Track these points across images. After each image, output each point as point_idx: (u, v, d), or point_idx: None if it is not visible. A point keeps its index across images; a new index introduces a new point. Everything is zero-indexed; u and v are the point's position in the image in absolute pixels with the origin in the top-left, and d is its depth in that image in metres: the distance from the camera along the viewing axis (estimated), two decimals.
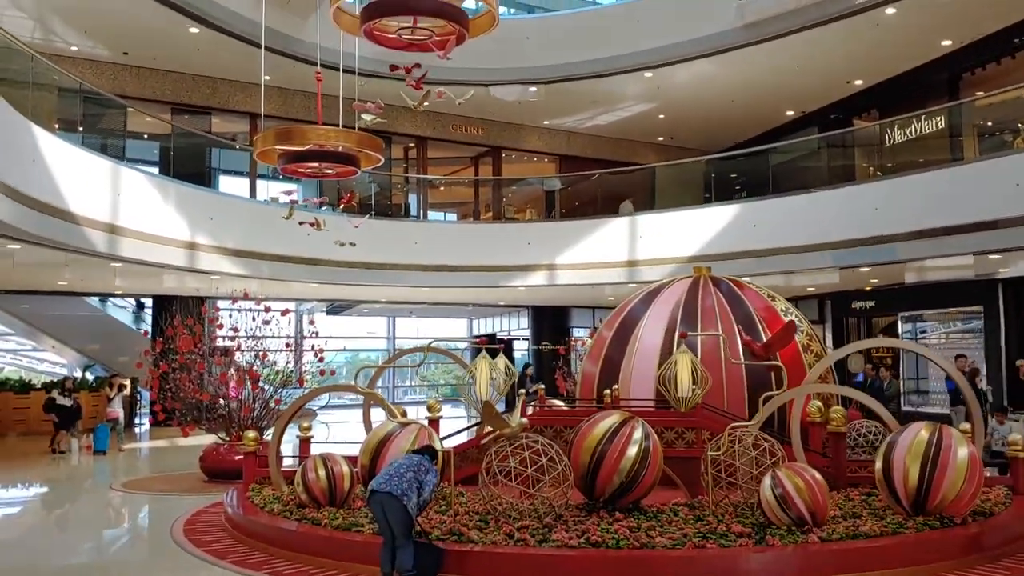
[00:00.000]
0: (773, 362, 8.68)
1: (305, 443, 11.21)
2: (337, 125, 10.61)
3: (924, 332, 21.20)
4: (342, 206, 12.39)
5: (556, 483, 7.58)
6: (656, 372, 9.83)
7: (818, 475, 7.34)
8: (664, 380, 9.15)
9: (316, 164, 11.07)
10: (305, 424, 11.43)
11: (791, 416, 8.75)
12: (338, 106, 11.68)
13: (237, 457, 12.65)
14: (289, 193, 13.58)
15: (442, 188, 25.38)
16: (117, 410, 16.56)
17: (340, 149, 10.30)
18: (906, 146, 17.64)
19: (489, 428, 8.05)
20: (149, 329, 22.03)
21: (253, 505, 9.13)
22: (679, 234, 18.59)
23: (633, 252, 19.07)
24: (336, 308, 27.68)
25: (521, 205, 23.89)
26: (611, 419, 8.19)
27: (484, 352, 9.09)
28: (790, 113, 22.76)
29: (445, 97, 9.96)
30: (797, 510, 7.11)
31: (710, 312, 11.83)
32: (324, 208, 12.51)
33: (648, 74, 19.81)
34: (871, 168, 18.56)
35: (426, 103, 9.49)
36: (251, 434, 10.49)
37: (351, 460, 9.02)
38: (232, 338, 13.36)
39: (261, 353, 12.88)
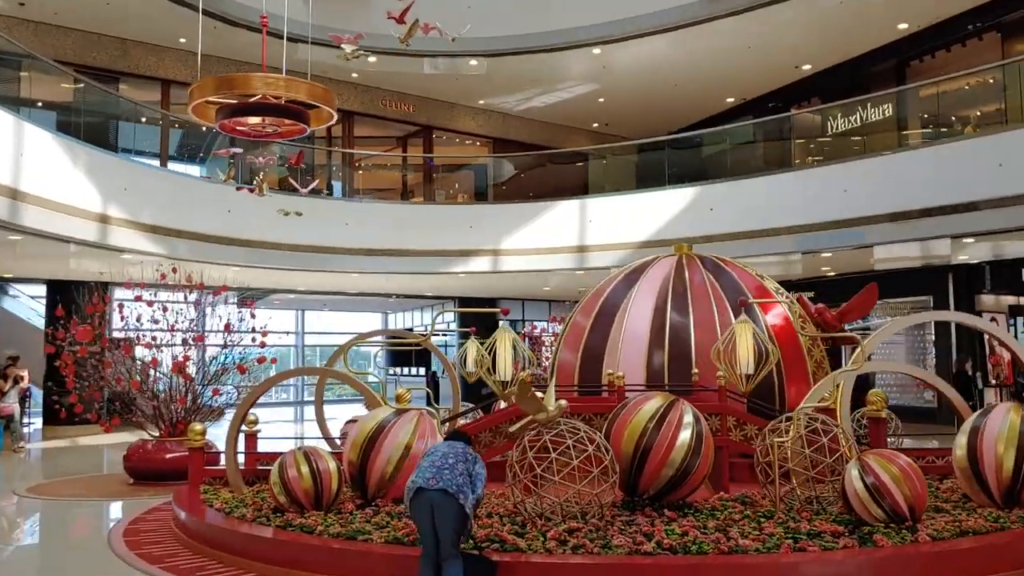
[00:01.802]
0: (847, 334, 7.65)
1: (251, 438, 9.70)
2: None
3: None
4: (289, 166, 10.84)
5: (602, 478, 6.37)
6: (664, 351, 8.64)
7: (912, 462, 6.34)
8: (720, 354, 7.98)
9: (259, 120, 9.61)
10: (251, 417, 9.90)
11: (839, 401, 7.73)
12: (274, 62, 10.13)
13: (169, 456, 11.04)
14: (231, 156, 11.87)
15: (361, 172, 23.72)
16: (12, 405, 14.40)
17: (283, 102, 8.91)
18: (855, 131, 17.32)
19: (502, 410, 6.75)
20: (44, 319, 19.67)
21: (214, 510, 7.57)
22: (631, 218, 17.63)
23: (583, 237, 18.02)
24: (244, 300, 25.63)
25: (453, 191, 22.53)
26: (654, 402, 7.03)
27: (504, 325, 7.81)
28: (730, 100, 22.19)
29: (433, 33, 8.70)
30: (893, 502, 6.09)
31: (701, 290, 10.93)
32: (267, 168, 10.94)
33: (596, 50, 18.78)
34: (811, 158, 18.13)
35: (411, 38, 8.25)
36: (198, 427, 8.88)
37: (336, 456, 7.60)
38: (142, 328, 11.53)
39: (197, 336, 11.19)
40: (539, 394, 6.58)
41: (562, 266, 18.17)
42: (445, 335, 27.00)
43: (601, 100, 21.90)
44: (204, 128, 18.10)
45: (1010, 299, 19.33)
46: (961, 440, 6.89)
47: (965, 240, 14.51)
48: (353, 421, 11.55)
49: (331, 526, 6.56)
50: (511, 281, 20.71)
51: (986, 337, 18.85)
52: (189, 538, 7.41)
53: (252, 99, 9.26)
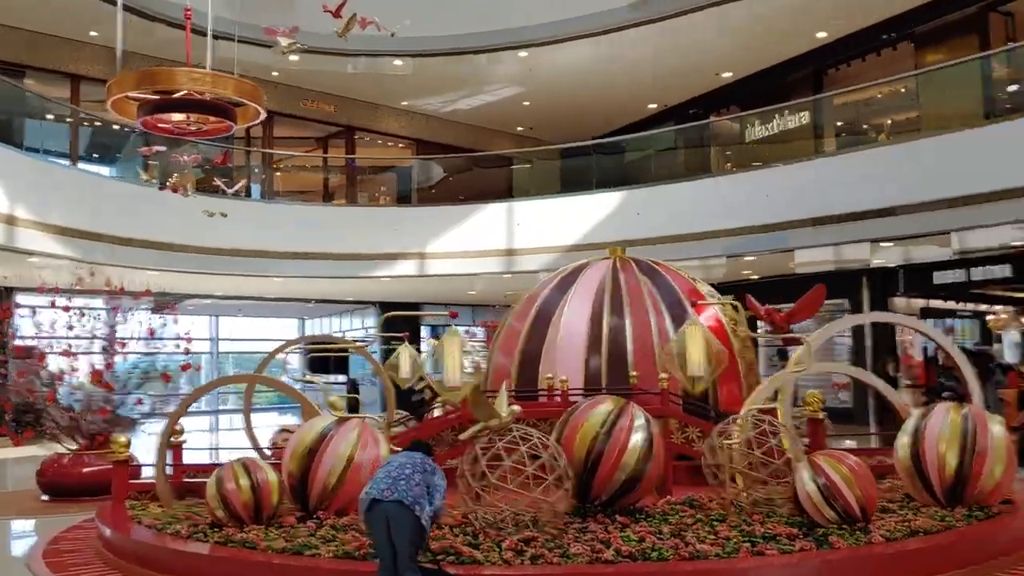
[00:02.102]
0: (794, 335, 7.69)
1: (177, 450, 9.31)
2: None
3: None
4: (217, 165, 10.44)
5: (556, 485, 6.24)
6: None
7: (861, 462, 6.39)
8: (667, 357, 7.94)
9: (183, 117, 9.25)
10: (177, 427, 9.48)
11: (782, 400, 7.77)
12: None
13: (87, 470, 10.50)
14: (152, 156, 11.31)
15: (280, 174, 23.12)
16: None
17: (208, 97, 8.62)
18: (775, 138, 17.69)
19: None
20: None
21: (144, 527, 7.17)
22: (559, 222, 17.63)
23: (511, 240, 17.93)
24: (160, 305, 24.71)
25: (378, 193, 22.17)
26: (605, 406, 6.94)
27: (453, 329, 7.60)
28: (652, 106, 22.40)
29: (371, 28, 8.49)
30: (845, 503, 6.12)
31: (636, 291, 10.97)
32: (187, 168, 10.50)
33: (523, 53, 18.72)
34: (729, 164, 18.46)
35: (350, 31, 8.06)
36: (121, 439, 8.43)
37: (275, 468, 7.29)
38: (56, 336, 10.93)
39: (119, 342, 10.65)
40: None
41: (490, 270, 18.05)
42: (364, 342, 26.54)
43: (526, 104, 21.85)
44: (116, 126, 17.44)
45: (920, 302, 19.98)
46: (903, 440, 6.99)
47: (883, 244, 14.92)
48: (284, 431, 11.21)
49: (274, 541, 6.27)
50: (436, 285, 20.46)
51: (899, 339, 19.50)
52: (117, 557, 7.00)
53: (176, 95, 8.91)
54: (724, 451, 6.72)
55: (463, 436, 6.44)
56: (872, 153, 14.87)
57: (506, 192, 19.62)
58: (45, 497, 10.59)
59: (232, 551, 6.23)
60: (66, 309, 10.65)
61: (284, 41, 8.00)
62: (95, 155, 17.79)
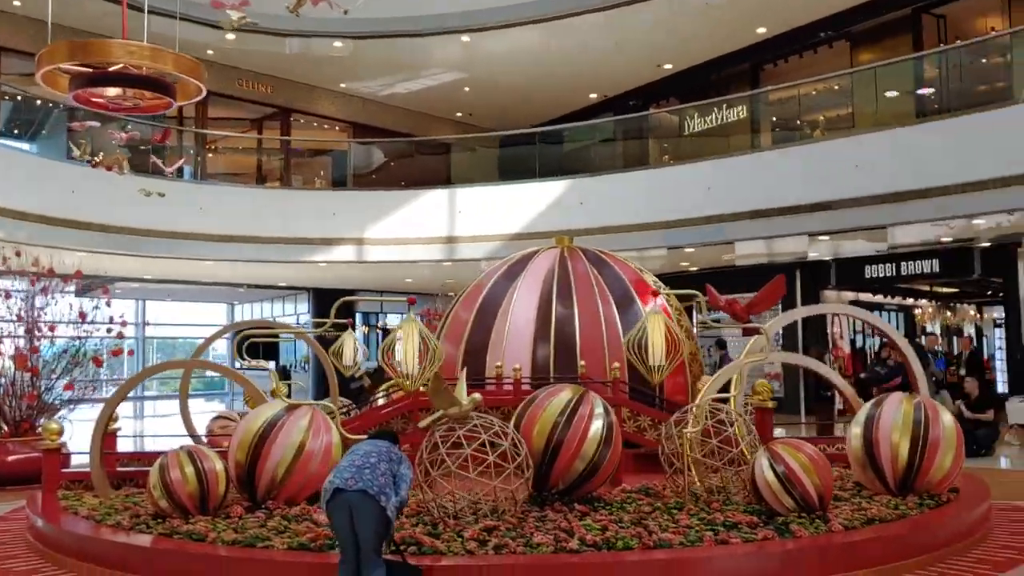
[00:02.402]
0: (753, 325, 7.70)
1: (110, 438, 8.95)
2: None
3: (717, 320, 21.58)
4: (156, 142, 10.05)
5: (517, 473, 6.14)
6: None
7: (818, 451, 6.44)
8: (633, 345, 7.80)
9: (119, 92, 8.89)
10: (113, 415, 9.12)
11: (736, 389, 7.77)
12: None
13: (11, 458, 10.04)
14: (81, 130, 10.75)
15: (212, 155, 22.45)
16: None
17: (145, 71, 8.32)
18: (714, 131, 17.85)
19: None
20: None
21: (81, 518, 6.85)
22: (502, 210, 17.48)
23: (452, 228, 17.72)
24: (86, 288, 23.83)
25: (315, 177, 21.68)
26: (564, 395, 6.86)
27: (411, 316, 7.40)
28: (593, 96, 22.41)
29: (322, 5, 8.25)
30: (804, 491, 6.16)
31: (585, 281, 10.96)
32: (121, 148, 10.06)
33: (465, 38, 18.49)
34: (666, 157, 18.60)
35: (302, 7, 7.85)
36: (53, 426, 8.06)
37: (220, 456, 7.02)
38: None
39: (49, 326, 10.18)
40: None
41: (431, 257, 17.82)
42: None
43: (467, 89, 21.63)
44: (40, 102, 16.72)
45: (850, 294, 20.43)
46: (856, 430, 7.07)
47: (820, 238, 15.18)
48: (220, 418, 10.90)
49: (222, 532, 6.03)
50: (372, 272, 20.17)
51: (829, 331, 19.93)
52: (51, 550, 6.66)
53: (112, 68, 8.55)
54: (682, 440, 6.70)
55: (422, 423, 6.28)
56: (812, 148, 15.09)
57: (446, 179, 19.37)
58: None
59: (178, 543, 5.97)
60: (7, 295, 10.13)
61: (234, 15, 7.69)
62: (16, 131, 16.98)
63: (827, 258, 18.23)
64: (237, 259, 17.53)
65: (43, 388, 10.41)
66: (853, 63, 18.05)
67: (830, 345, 19.65)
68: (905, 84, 15.54)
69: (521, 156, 19.14)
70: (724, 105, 17.83)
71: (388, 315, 27.71)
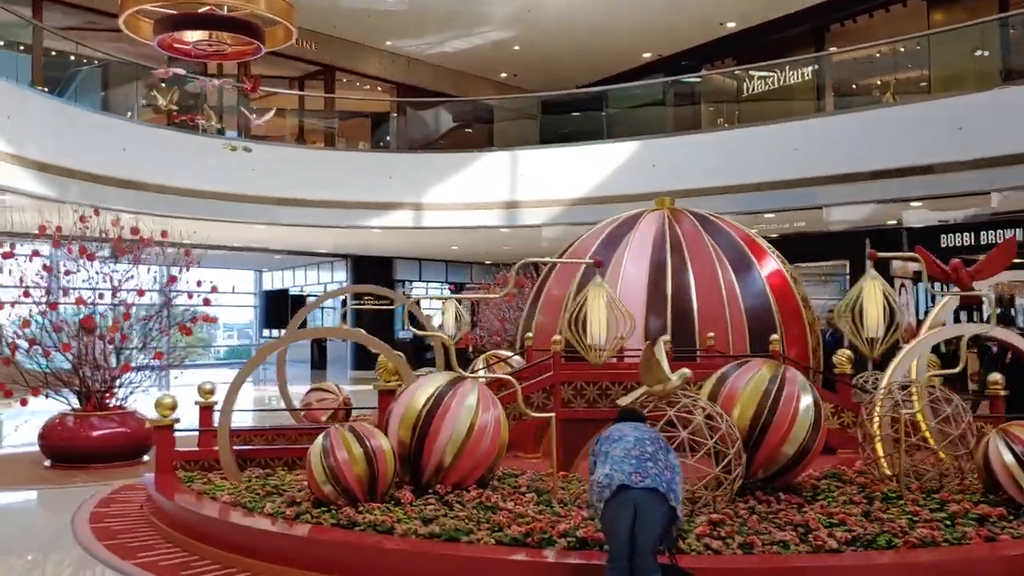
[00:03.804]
0: (975, 292, 6.98)
1: (207, 412, 8.29)
2: None
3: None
4: (248, 90, 9.28)
5: (738, 460, 5.46)
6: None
7: None
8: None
9: (203, 36, 8.21)
10: (206, 386, 8.45)
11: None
12: None
13: (96, 433, 9.34)
14: (166, 77, 9.90)
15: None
16: None
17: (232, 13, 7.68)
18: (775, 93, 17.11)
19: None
20: None
21: (226, 504, 6.16)
22: (567, 173, 16.71)
23: (514, 192, 16.95)
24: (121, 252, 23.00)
25: (352, 136, 20.83)
26: (765, 371, 6.16)
27: (598, 280, 6.64)
28: (646, 55, 21.56)
29: None
30: None
31: (698, 245, 10.32)
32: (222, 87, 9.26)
33: None
34: (723, 119, 17.86)
35: None
36: (166, 400, 7.35)
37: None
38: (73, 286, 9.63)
39: (139, 292, 9.44)
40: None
41: (491, 223, 17.07)
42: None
43: (516, 48, 20.75)
44: (86, 59, 15.91)
45: (915, 265, 19.76)
46: None
47: (914, 204, 14.49)
48: (317, 391, 10.22)
49: (408, 522, 5.35)
50: (416, 238, 19.42)
51: None
52: (197, 540, 5.96)
53: (201, 11, 7.92)
54: (901, 420, 6.01)
55: (623, 401, 5.58)
56: (903, 110, 14.33)
57: (504, 142, 18.55)
58: (48, 462, 9.41)
59: (359, 537, 5.28)
60: (90, 257, 9.35)
61: None
62: (59, 86, 16.10)
63: (929, 224, 17.30)
64: (289, 223, 16.76)
65: (130, 358, 9.68)
66: (929, 23, 17.29)
67: None
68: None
69: (585, 118, 18.36)
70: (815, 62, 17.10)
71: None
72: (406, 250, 22.95)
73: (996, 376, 7.33)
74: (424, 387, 6.29)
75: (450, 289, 10.91)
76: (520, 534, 5.01)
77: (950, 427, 5.99)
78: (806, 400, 5.99)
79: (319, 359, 26.30)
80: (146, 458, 9.61)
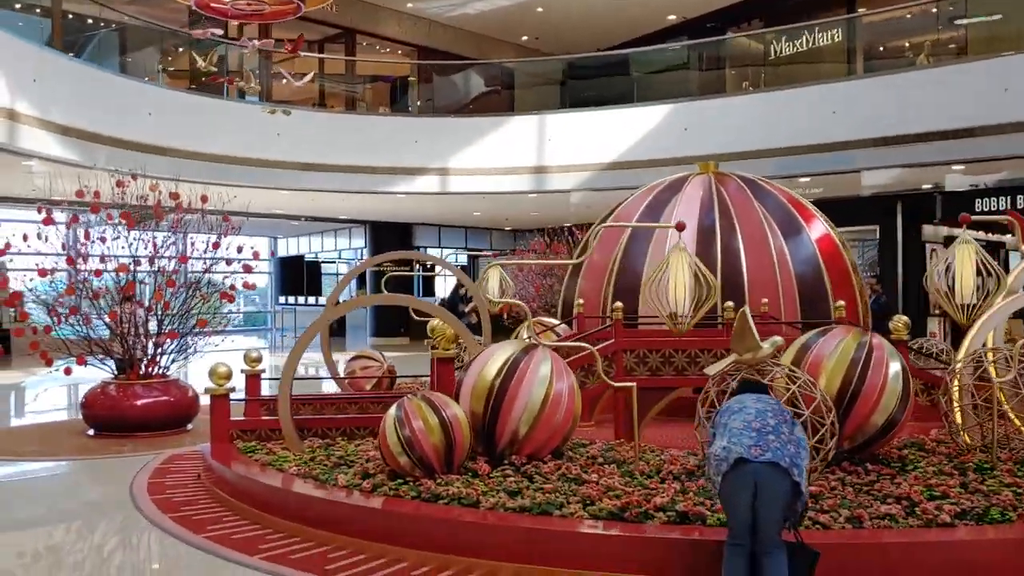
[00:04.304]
0: None
1: (254, 381, 8.13)
2: None
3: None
4: (290, 51, 9.02)
5: (832, 432, 5.28)
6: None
7: None
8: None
9: None
10: (253, 354, 8.29)
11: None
12: None
13: (140, 402, 9.18)
14: (204, 37, 9.59)
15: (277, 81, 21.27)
16: None
17: None
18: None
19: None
20: None
21: (296, 476, 6.00)
22: (595, 137, 16.44)
23: (541, 156, 16.68)
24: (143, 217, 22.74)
25: (373, 101, 20.50)
26: (850, 339, 5.95)
27: (679, 244, 6.42)
28: (671, 18, 21.13)
29: None
30: None
31: (746, 209, 10.10)
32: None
33: None
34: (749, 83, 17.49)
35: None
36: (222, 369, 7.17)
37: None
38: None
39: (181, 257, 9.23)
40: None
41: (519, 188, 16.82)
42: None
43: (539, 10, 20.34)
44: (103, 23, 15.58)
45: (944, 230, 19.51)
46: None
47: (955, 167, 14.21)
48: (359, 358, 10.05)
49: (494, 495, 5.18)
50: (437, 204, 19.14)
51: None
52: (271, 514, 5.78)
53: None
54: (996, 388, 5.80)
55: (711, 370, 5.39)
56: (944, 71, 13.99)
57: (512, 108, 18.23)
58: (91, 431, 9.25)
59: (446, 511, 5.11)
60: (131, 224, 9.13)
61: None
62: (80, 49, 15.78)
63: (963, 188, 16.99)
64: (316, 189, 16.52)
65: (176, 326, 9.48)
66: None
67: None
68: None
69: (611, 82, 18.05)
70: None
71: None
72: (426, 216, 22.67)
73: None
74: (495, 356, 6.09)
75: (493, 256, 10.76)
76: (616, 508, 4.83)
77: None
78: (895, 367, 5.80)
79: (337, 326, 26.11)
80: (190, 427, 9.48)
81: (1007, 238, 21.90)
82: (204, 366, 9.82)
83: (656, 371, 7.59)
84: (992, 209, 17.17)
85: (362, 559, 4.98)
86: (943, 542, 4.44)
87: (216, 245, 9.62)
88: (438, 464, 5.62)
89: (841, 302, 8.08)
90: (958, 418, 6.20)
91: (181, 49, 17.73)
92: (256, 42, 9.32)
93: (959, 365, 6.21)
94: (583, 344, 6.56)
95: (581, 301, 9.63)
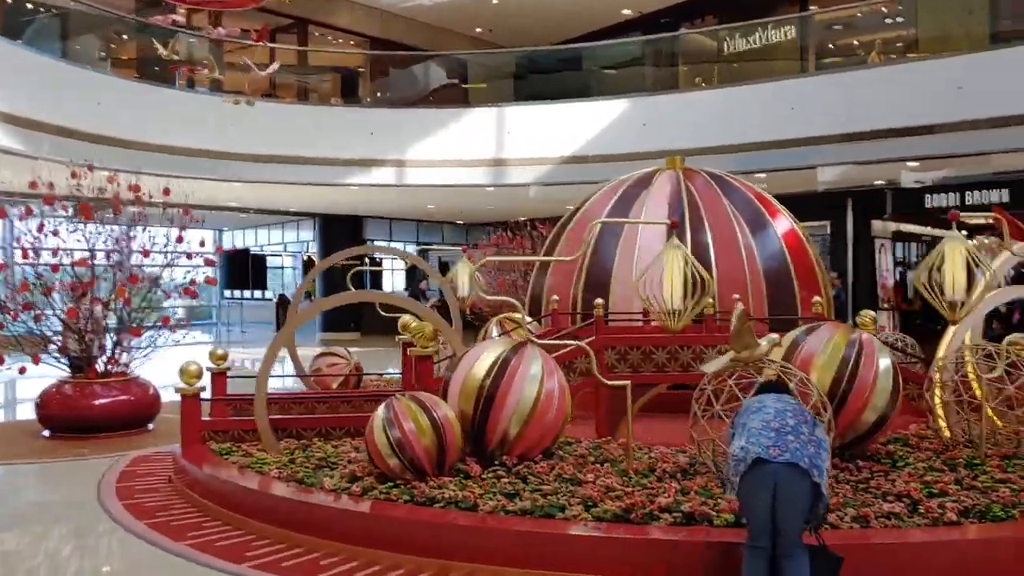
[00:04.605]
0: None
1: (220, 379, 7.90)
2: None
3: None
4: (255, 39, 8.73)
5: (829, 430, 5.25)
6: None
7: None
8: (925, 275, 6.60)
9: None
10: (218, 351, 8.05)
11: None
12: None
13: (98, 402, 8.83)
14: (166, 25, 9.20)
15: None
16: None
17: None
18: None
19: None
20: None
21: (278, 480, 5.79)
22: (554, 131, 16.32)
23: (500, 150, 16.51)
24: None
25: (326, 92, 20.09)
26: (838, 335, 5.94)
27: (674, 242, 6.27)
28: (626, 12, 21.16)
29: None
30: None
31: (715, 205, 10.10)
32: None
33: None
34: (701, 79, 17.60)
35: None
36: (192, 367, 6.91)
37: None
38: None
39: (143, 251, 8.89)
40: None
41: (477, 181, 16.64)
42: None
43: (495, 2, 20.17)
44: (43, 7, 14.97)
45: (892, 225, 19.86)
46: None
47: (910, 163, 14.44)
48: (326, 355, 9.81)
49: (488, 498, 5.04)
50: (389, 196, 18.82)
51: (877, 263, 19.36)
52: (241, 515, 5.58)
53: None
54: (982, 384, 5.85)
55: (708, 368, 5.32)
56: (914, 66, 14.18)
57: (467, 100, 18.05)
58: (46, 432, 8.87)
59: (439, 514, 4.96)
60: (88, 216, 8.74)
61: None
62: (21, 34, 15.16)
63: (917, 185, 17.25)
64: (266, 180, 16.11)
65: (135, 321, 9.14)
66: None
67: (878, 276, 19.18)
68: None
69: (567, 76, 17.96)
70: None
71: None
72: (378, 209, 22.37)
73: None
74: (484, 355, 5.95)
75: (463, 250, 10.67)
76: (620, 509, 4.73)
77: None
78: (885, 364, 5.81)
79: (284, 320, 25.64)
80: (151, 426, 9.16)
81: (946, 233, 22.43)
82: (159, 364, 9.54)
83: (637, 368, 7.51)
84: (943, 205, 17.60)
85: (355, 566, 4.82)
86: (952, 541, 4.43)
87: (180, 239, 9.29)
88: (429, 466, 5.46)
89: (818, 298, 8.10)
90: (941, 414, 6.26)
91: (126, 36, 17.21)
92: (222, 30, 8.99)
93: (941, 361, 6.26)
94: (578, 343, 6.44)
95: (556, 297, 9.51)
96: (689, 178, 10.51)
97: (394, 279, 26.86)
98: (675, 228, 6.50)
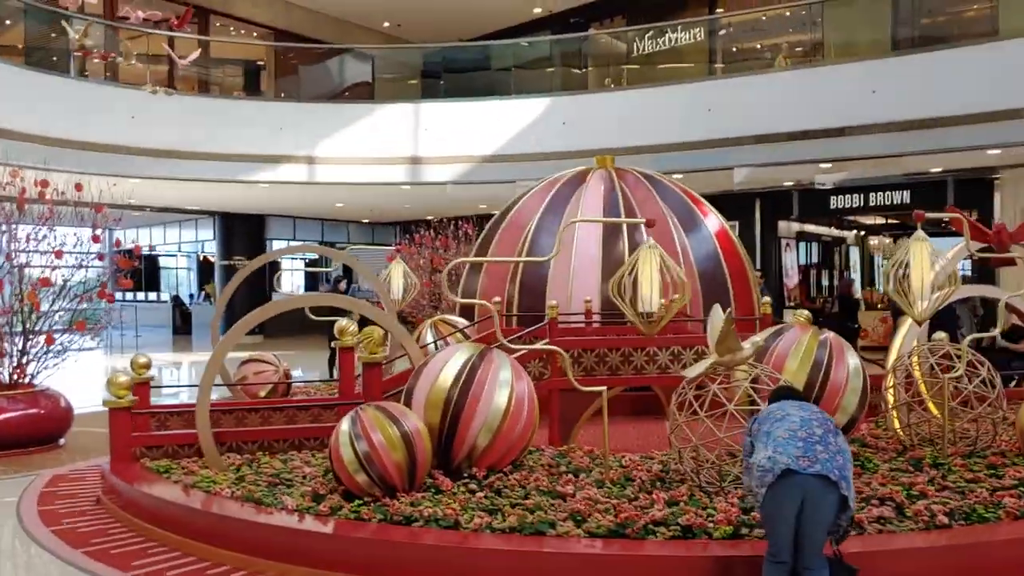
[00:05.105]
0: (1008, 255, 6.84)
1: (144, 388, 7.35)
2: None
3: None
4: (176, 26, 8.19)
5: None
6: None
7: None
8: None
9: None
10: (141, 359, 7.48)
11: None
12: None
13: (4, 415, 8.14)
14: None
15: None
16: None
17: None
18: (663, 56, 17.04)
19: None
20: None
21: (231, 499, 5.35)
22: (473, 129, 16.06)
23: (416, 147, 16.13)
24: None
25: (229, 85, 19.28)
26: (806, 337, 5.90)
27: (650, 242, 6.01)
28: (537, 11, 21.07)
29: None
30: None
31: (650, 204, 10.04)
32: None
33: None
34: (610, 79, 17.73)
35: None
36: (121, 379, 6.39)
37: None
38: None
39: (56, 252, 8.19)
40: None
41: (393, 179, 16.21)
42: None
43: None
44: None
45: (796, 225, 20.43)
46: None
47: (824, 165, 14.77)
48: (253, 362, 9.28)
49: (470, 515, 4.76)
50: (294, 193, 18.15)
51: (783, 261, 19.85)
52: (196, 541, 5.14)
53: None
54: (947, 386, 5.89)
55: (689, 372, 5.18)
56: (826, 71, 14.49)
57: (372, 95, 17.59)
58: None
59: (420, 534, 4.64)
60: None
61: None
62: None
63: (830, 186, 17.62)
64: (165, 177, 15.24)
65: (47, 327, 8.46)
66: None
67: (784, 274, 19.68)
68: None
69: (488, 74, 17.73)
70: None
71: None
72: (282, 207, 21.60)
73: None
74: (449, 363, 5.65)
75: (397, 249, 10.29)
76: (614, 524, 4.52)
77: (987, 391, 5.96)
78: (854, 365, 5.80)
79: (182, 324, 24.58)
80: (62, 442, 8.48)
81: (849, 235, 23.27)
82: (64, 374, 8.85)
83: (590, 371, 7.34)
84: (846, 206, 18.17)
85: None
86: (951, 546, 4.39)
87: (96, 239, 8.63)
88: (400, 482, 5.14)
89: (767, 299, 8.10)
90: (895, 415, 6.30)
91: (9, 21, 16.10)
92: (141, 13, 8.39)
93: (893, 363, 6.31)
94: (553, 347, 6.22)
95: (498, 299, 9.24)
96: (621, 177, 10.41)
97: (294, 279, 26.06)
98: (652, 226, 6.34)
